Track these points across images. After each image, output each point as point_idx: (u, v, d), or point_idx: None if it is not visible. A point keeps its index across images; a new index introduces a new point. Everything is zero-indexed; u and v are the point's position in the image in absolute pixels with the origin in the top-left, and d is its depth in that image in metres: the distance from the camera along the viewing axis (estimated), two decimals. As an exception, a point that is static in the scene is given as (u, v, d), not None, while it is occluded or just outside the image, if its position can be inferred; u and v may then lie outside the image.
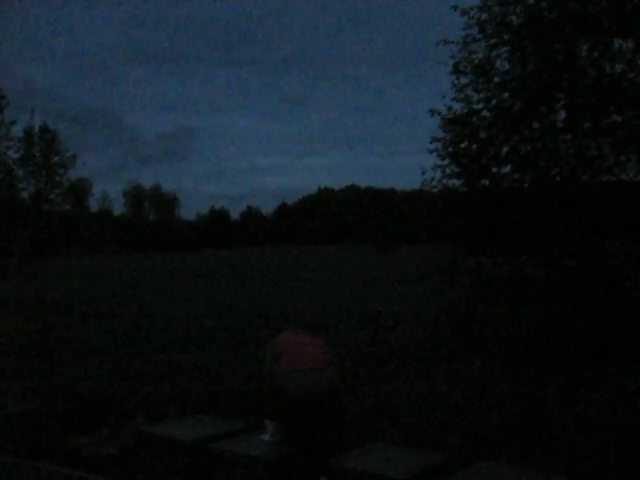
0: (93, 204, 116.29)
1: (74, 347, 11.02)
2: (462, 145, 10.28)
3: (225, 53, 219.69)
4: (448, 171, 10.37)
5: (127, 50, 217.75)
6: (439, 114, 10.41)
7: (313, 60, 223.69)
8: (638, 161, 9.58)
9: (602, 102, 9.35)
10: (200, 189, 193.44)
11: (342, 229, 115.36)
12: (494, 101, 10.10)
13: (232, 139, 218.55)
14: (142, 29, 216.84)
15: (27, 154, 24.93)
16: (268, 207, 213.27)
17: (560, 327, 9.33)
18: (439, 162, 10.36)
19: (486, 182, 10.37)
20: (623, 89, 9.32)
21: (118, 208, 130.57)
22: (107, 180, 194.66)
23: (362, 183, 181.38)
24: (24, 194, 25.34)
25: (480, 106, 10.20)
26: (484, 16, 10.01)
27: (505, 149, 10.08)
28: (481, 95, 10.19)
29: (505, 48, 10.04)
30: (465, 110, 10.31)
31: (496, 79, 10.11)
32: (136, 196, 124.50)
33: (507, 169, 10.22)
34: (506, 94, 10.05)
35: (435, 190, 10.65)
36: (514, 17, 9.96)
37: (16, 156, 23.66)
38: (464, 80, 10.27)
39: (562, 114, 9.96)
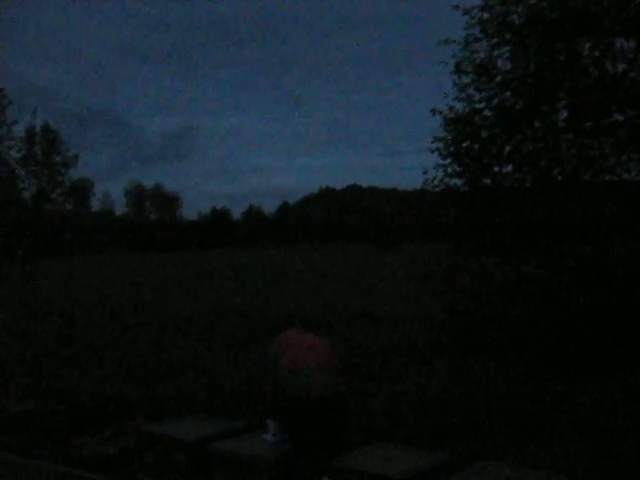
0: (95, 204, 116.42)
1: (75, 347, 11.02)
2: (464, 144, 10.27)
3: (227, 53, 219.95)
4: (450, 170, 10.37)
5: (129, 49, 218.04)
6: (441, 113, 10.41)
7: (315, 60, 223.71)
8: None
9: (604, 101, 9.34)
10: (202, 189, 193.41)
11: (343, 229, 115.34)
12: (496, 100, 10.09)
13: (234, 138, 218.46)
14: (144, 28, 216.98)
15: (29, 154, 24.92)
16: (270, 207, 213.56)
17: (562, 327, 9.32)
18: (441, 161, 10.37)
19: (488, 181, 10.36)
20: (625, 88, 9.30)
21: (120, 208, 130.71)
22: (109, 180, 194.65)
23: (364, 182, 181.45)
24: (26, 194, 25.33)
25: (482, 105, 10.20)
26: (485, 15, 10.00)
27: (507, 148, 10.07)
28: (483, 94, 10.18)
29: (507, 47, 10.03)
30: (467, 109, 10.31)
31: (498, 78, 10.10)
32: (138, 196, 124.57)
33: (509, 168, 10.21)
34: (508, 93, 10.04)
35: (437, 190, 10.64)
36: (516, 16, 9.95)
37: (18, 156, 23.63)
38: (466, 79, 10.27)
39: (564, 113, 9.95)
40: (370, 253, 57.84)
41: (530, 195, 9.92)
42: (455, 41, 10.17)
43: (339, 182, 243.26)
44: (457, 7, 10.09)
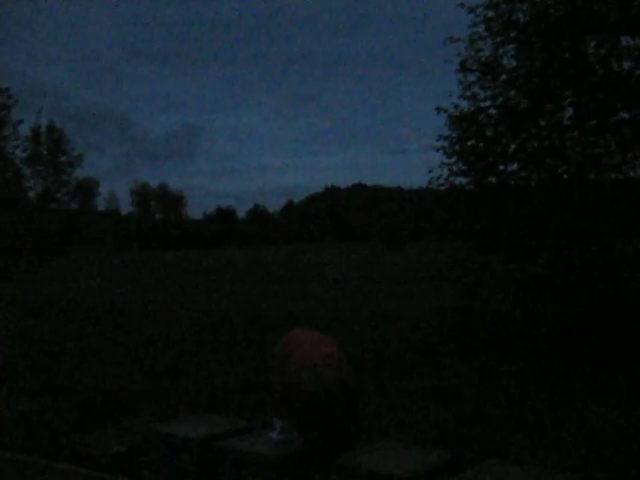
0: (100, 203, 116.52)
1: (82, 346, 11.05)
2: (469, 143, 10.28)
3: (233, 51, 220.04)
4: (455, 169, 10.38)
5: (134, 49, 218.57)
6: (446, 112, 10.42)
7: (320, 59, 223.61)
8: (645, 159, 9.57)
9: (609, 100, 9.33)
10: (207, 187, 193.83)
11: (349, 227, 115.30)
12: (501, 99, 10.10)
13: (239, 137, 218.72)
14: (149, 28, 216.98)
15: (34, 153, 24.96)
16: (275, 205, 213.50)
17: (567, 325, 9.32)
18: (446, 160, 10.38)
19: (493, 180, 10.37)
20: (630, 86, 9.29)
21: (125, 207, 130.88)
22: (114, 179, 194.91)
23: (369, 181, 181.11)
24: (31, 193, 25.39)
25: (487, 104, 10.21)
26: (491, 14, 10.01)
27: (512, 147, 10.08)
28: (488, 93, 10.19)
29: (512, 46, 10.03)
30: (472, 108, 10.32)
31: (503, 77, 10.10)
32: (143, 195, 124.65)
33: (514, 167, 10.22)
34: (513, 92, 10.04)
35: (442, 188, 10.65)
36: (521, 15, 9.95)
37: (23, 155, 23.68)
38: (471, 78, 10.29)
39: (569, 112, 9.96)
40: (375, 252, 57.80)
41: (535, 193, 9.91)
42: (460, 39, 10.19)
43: (344, 181, 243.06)
44: (462, 5, 10.11)
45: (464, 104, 10.36)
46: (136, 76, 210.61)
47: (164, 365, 9.40)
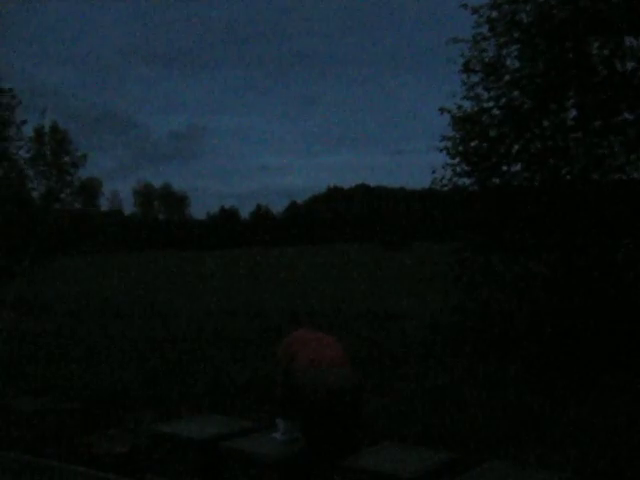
0: (103, 203, 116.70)
1: (85, 346, 11.06)
2: (472, 144, 10.26)
3: (235, 52, 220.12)
4: (458, 170, 10.35)
5: (137, 49, 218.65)
6: (449, 112, 10.40)
7: (323, 59, 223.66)
8: (649, 160, 9.54)
9: (613, 100, 9.32)
10: (210, 188, 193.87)
11: (352, 228, 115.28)
12: (504, 99, 10.08)
13: (242, 138, 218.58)
14: (152, 28, 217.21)
15: (38, 154, 25.01)
16: (278, 206, 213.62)
17: (570, 326, 9.30)
18: (449, 161, 10.36)
19: (496, 181, 10.35)
20: (634, 87, 9.28)
21: (128, 207, 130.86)
22: (117, 179, 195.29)
23: (372, 182, 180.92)
24: (35, 194, 25.42)
25: (490, 104, 10.18)
26: (494, 14, 9.99)
27: (515, 147, 10.06)
28: (491, 93, 10.17)
29: (515, 46, 10.01)
30: (475, 108, 10.29)
31: (506, 77, 10.08)
32: (146, 195, 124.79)
33: (517, 168, 10.20)
34: (516, 92, 10.02)
35: (445, 189, 10.64)
36: (524, 15, 9.93)
37: (27, 156, 23.72)
38: (474, 78, 10.25)
39: (572, 112, 9.93)
40: (378, 252, 57.81)
41: (539, 194, 9.90)
42: (464, 40, 10.17)
43: (347, 181, 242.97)
44: (465, 6, 10.09)
45: (467, 105, 10.34)
46: (140, 76, 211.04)
47: (167, 365, 9.41)
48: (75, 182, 26.95)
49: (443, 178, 10.42)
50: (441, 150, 10.40)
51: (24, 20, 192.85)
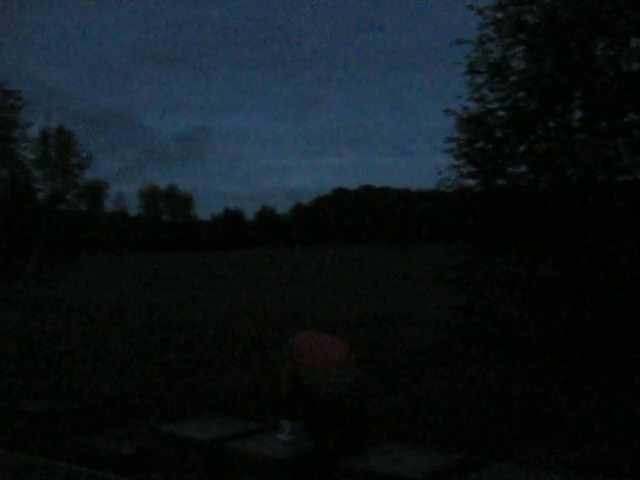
0: (109, 205, 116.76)
1: (91, 347, 11.08)
2: (477, 145, 10.25)
3: (239, 53, 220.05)
4: (464, 171, 10.35)
5: (142, 51, 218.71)
6: (454, 114, 10.40)
7: (327, 60, 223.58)
8: (655, 161, 9.52)
9: (618, 101, 9.30)
10: (215, 189, 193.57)
11: (357, 229, 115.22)
12: (509, 100, 10.06)
13: (247, 139, 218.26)
14: (157, 30, 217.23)
15: (44, 155, 25.11)
16: (283, 207, 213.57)
17: (576, 328, 9.29)
18: (454, 162, 10.35)
19: (502, 182, 10.34)
20: (640, 88, 9.26)
21: (133, 209, 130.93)
22: (123, 181, 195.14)
23: (377, 183, 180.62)
24: (40, 195, 25.52)
25: (495, 106, 10.17)
26: (499, 15, 9.98)
27: (521, 149, 10.05)
28: (496, 95, 10.15)
29: (521, 47, 10.00)
30: (480, 110, 10.29)
31: (511, 78, 10.07)
32: (151, 196, 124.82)
33: (523, 169, 10.19)
34: (522, 93, 10.01)
35: (450, 190, 10.64)
36: (530, 16, 9.92)
37: (33, 157, 23.82)
38: (479, 80, 10.24)
39: (578, 113, 9.91)
40: (383, 253, 57.78)
41: (544, 196, 9.88)
42: (469, 41, 10.16)
43: (352, 182, 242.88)
44: (471, 7, 10.08)
45: (473, 106, 10.33)
46: (145, 78, 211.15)
47: (173, 366, 9.42)
48: (81, 183, 27.01)
49: (449, 179, 10.43)
50: (446, 151, 10.41)
51: (30, 22, 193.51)
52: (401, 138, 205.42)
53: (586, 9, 9.40)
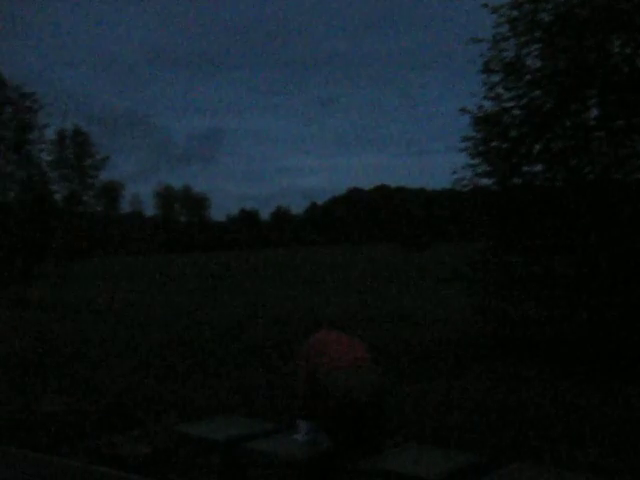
0: (124, 206, 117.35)
1: (107, 348, 11.14)
2: (493, 144, 10.22)
3: (254, 54, 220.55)
4: (479, 170, 10.33)
5: (158, 52, 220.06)
6: (469, 113, 10.38)
7: (342, 61, 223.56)
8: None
9: (635, 99, 9.23)
10: (230, 190, 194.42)
11: (372, 229, 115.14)
12: (525, 99, 10.03)
13: (261, 140, 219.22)
14: (172, 31, 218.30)
15: (60, 157, 25.29)
16: (297, 207, 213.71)
17: (593, 326, 9.24)
18: (470, 161, 10.34)
19: (517, 181, 10.31)
20: (657, 85, 9.19)
21: (149, 209, 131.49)
22: (138, 182, 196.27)
23: (392, 183, 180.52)
24: (57, 196, 25.68)
25: (511, 104, 10.14)
26: (514, 14, 9.94)
27: (536, 147, 10.01)
28: (512, 93, 10.12)
29: (536, 46, 9.96)
30: (496, 109, 10.26)
31: (527, 77, 10.03)
32: (167, 197, 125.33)
33: (538, 168, 10.15)
34: (537, 92, 9.97)
35: (466, 189, 10.61)
36: (545, 14, 9.88)
37: (49, 159, 23.99)
38: (495, 78, 10.22)
39: (594, 112, 9.86)
40: (399, 253, 57.69)
41: (560, 194, 9.84)
42: (484, 40, 10.13)
43: (367, 182, 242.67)
44: (486, 5, 10.05)
45: (488, 105, 10.31)
46: (160, 79, 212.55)
47: (189, 366, 9.45)
48: (97, 185, 27.17)
49: (464, 179, 10.41)
50: (462, 151, 10.38)
51: (46, 23, 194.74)
52: (416, 138, 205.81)
53: (602, 6, 9.34)
